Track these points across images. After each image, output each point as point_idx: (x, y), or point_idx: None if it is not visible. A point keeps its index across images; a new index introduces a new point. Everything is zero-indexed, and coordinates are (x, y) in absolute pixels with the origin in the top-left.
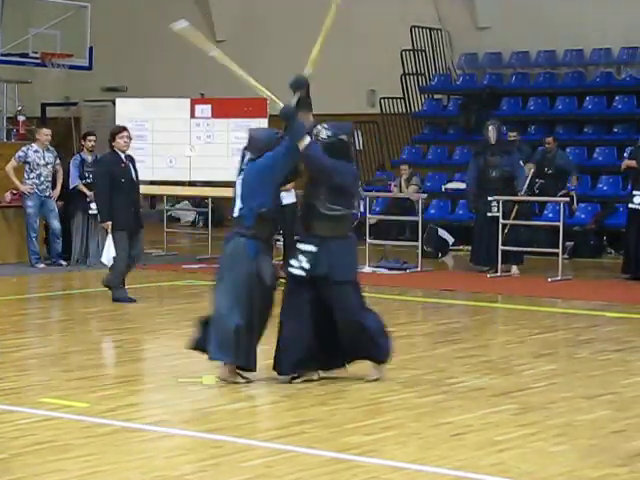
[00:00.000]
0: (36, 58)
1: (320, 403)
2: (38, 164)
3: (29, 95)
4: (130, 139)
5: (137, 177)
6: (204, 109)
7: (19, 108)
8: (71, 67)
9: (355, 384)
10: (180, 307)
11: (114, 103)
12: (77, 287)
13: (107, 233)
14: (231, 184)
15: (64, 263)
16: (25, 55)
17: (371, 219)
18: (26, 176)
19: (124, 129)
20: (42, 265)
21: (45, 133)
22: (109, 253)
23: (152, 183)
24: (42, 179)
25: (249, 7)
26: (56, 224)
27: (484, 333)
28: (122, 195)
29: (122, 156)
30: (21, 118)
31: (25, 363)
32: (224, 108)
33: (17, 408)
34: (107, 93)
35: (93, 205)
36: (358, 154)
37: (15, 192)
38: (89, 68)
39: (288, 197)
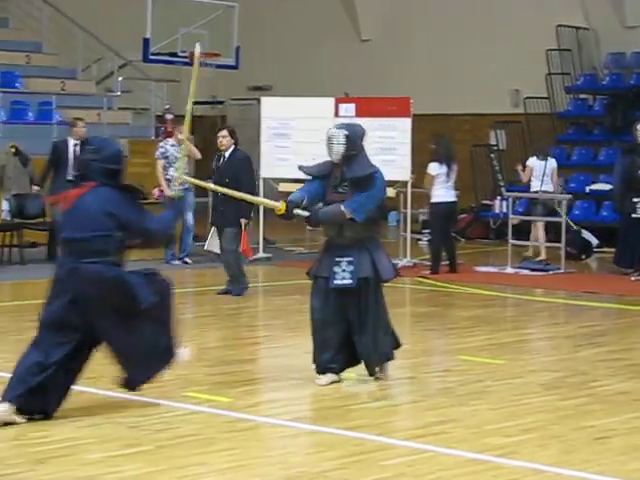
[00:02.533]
0: (184, 57)
1: (460, 404)
2: (176, 157)
3: (177, 94)
4: (225, 138)
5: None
6: (348, 108)
7: (167, 106)
8: (218, 66)
9: (496, 385)
10: None
11: (259, 102)
12: (215, 284)
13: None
14: None
15: (189, 261)
16: (174, 55)
17: (513, 219)
18: (165, 171)
19: (223, 129)
20: (177, 262)
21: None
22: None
23: (295, 181)
24: None
25: (395, 7)
26: (190, 218)
27: (629, 336)
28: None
29: (221, 155)
30: (169, 116)
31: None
32: (368, 107)
33: (162, 401)
34: (253, 92)
35: None
36: (501, 154)
37: (162, 190)
38: (235, 67)
39: None
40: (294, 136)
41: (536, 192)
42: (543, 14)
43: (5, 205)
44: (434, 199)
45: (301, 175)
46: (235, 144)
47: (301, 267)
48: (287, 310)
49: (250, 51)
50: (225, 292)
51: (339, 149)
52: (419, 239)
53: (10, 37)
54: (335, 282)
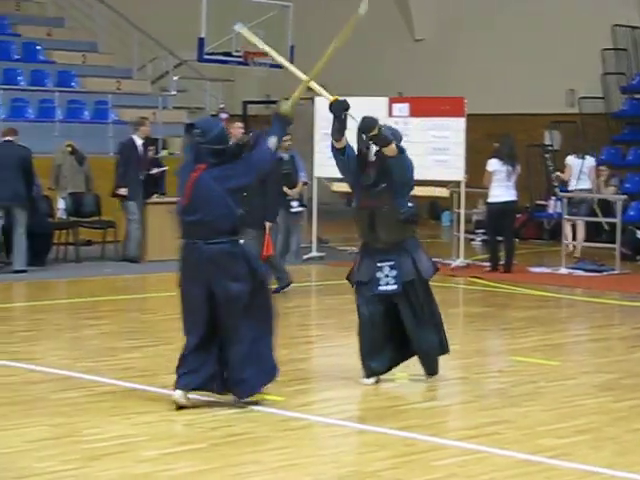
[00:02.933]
0: (239, 57)
1: (512, 404)
2: None
3: (231, 93)
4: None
5: None
6: (402, 108)
7: (221, 106)
8: (272, 66)
9: (549, 386)
10: None
11: (313, 101)
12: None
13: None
14: (426, 183)
15: None
16: (229, 54)
17: (568, 220)
18: None
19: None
20: None
21: (237, 126)
22: None
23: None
24: None
25: (448, 7)
26: None
27: None
28: None
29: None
30: (223, 115)
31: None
32: (422, 107)
33: (215, 400)
34: (307, 91)
35: (294, 203)
36: (555, 154)
37: None
38: None
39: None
40: (347, 136)
41: (572, 191)
42: (599, 14)
43: (61, 203)
44: (490, 198)
45: None
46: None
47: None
48: (340, 309)
49: (304, 51)
50: None
51: (373, 148)
52: (472, 239)
53: (66, 37)
54: (380, 288)
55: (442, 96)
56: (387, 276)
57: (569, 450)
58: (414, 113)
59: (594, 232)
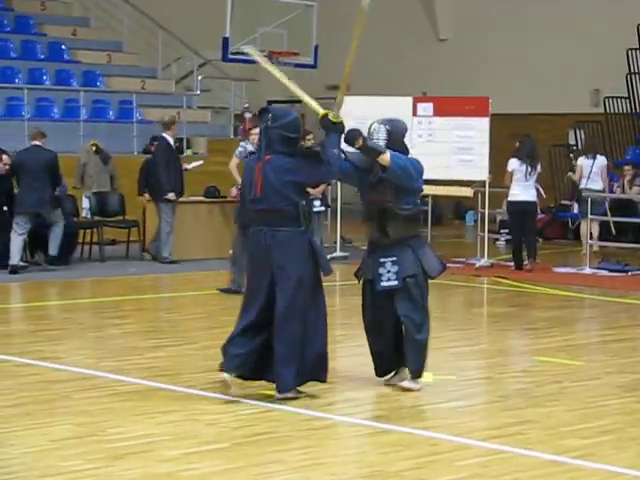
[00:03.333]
0: (263, 57)
1: (536, 405)
2: None
3: (255, 93)
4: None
5: None
6: (426, 107)
7: (245, 105)
8: (297, 65)
9: (573, 387)
10: None
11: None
12: None
13: None
14: (451, 182)
15: None
16: None
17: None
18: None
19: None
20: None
21: (256, 133)
22: None
23: None
24: None
25: (473, 6)
26: None
27: None
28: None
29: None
30: (247, 115)
31: None
32: (446, 107)
33: (239, 399)
34: (331, 91)
35: (317, 202)
36: (580, 154)
37: (240, 188)
38: (314, 66)
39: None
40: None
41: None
42: (623, 13)
43: (86, 203)
44: (509, 197)
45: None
46: None
47: None
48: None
49: (329, 50)
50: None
51: (380, 144)
52: (496, 239)
53: (91, 37)
54: (382, 284)
55: (466, 96)
56: (389, 272)
57: (593, 450)
58: (438, 113)
59: (605, 232)
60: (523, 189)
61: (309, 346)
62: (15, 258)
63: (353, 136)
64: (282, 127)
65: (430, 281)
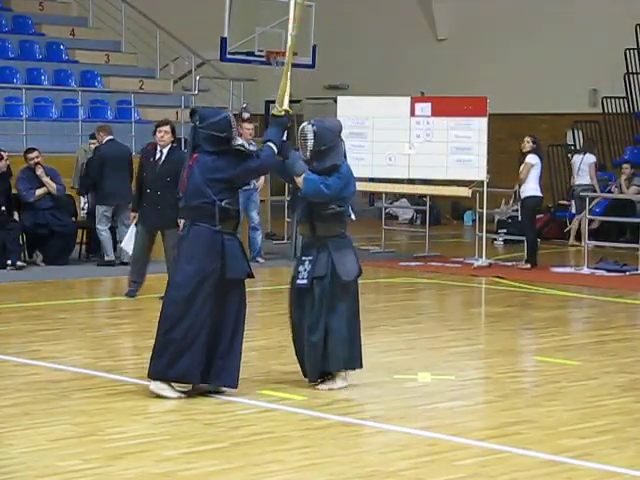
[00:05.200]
0: (261, 56)
1: (535, 404)
2: None
3: (254, 92)
4: (167, 134)
5: (164, 173)
6: (424, 107)
7: (244, 105)
8: (295, 65)
9: (571, 386)
10: (396, 304)
11: (336, 101)
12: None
13: (134, 223)
14: (449, 182)
15: (261, 260)
16: (251, 54)
17: (591, 220)
18: None
19: (166, 123)
20: (262, 260)
21: (247, 127)
22: (127, 244)
23: (371, 180)
24: None
25: (471, 6)
26: (256, 217)
27: None
28: (142, 190)
29: (157, 150)
30: (245, 115)
31: (246, 355)
32: (444, 106)
33: (237, 399)
34: (329, 91)
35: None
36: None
37: None
38: (312, 66)
39: None
40: (370, 135)
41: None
42: (622, 13)
43: (84, 203)
44: (527, 192)
45: (376, 174)
46: (173, 142)
47: (376, 266)
48: (362, 310)
49: (327, 50)
50: None
51: (308, 145)
52: (495, 239)
53: (90, 36)
54: (297, 282)
55: (464, 96)
56: (305, 270)
57: (591, 450)
58: (436, 112)
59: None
60: (537, 185)
61: (195, 340)
62: (112, 254)
63: (282, 148)
64: (210, 127)
65: (431, 281)
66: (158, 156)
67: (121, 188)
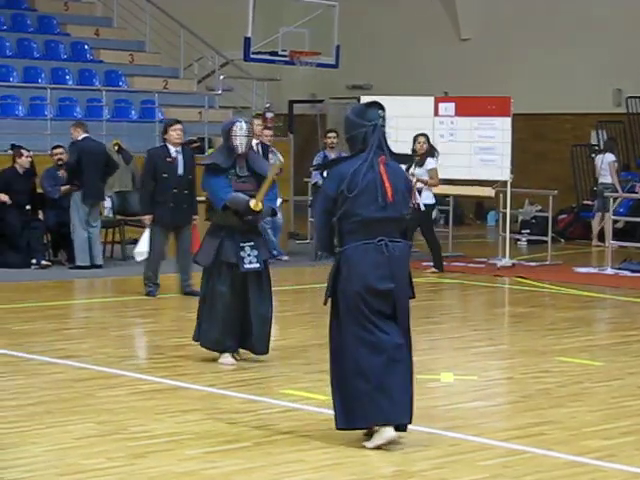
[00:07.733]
0: (285, 56)
1: (559, 405)
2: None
3: (277, 92)
4: (183, 132)
5: (187, 172)
6: (448, 107)
7: (267, 105)
8: (318, 65)
9: (595, 387)
10: (419, 304)
11: (359, 101)
12: (314, 281)
13: (146, 227)
14: (472, 182)
15: (285, 258)
16: (275, 53)
17: (616, 220)
18: None
19: (177, 122)
20: (286, 257)
21: (257, 124)
22: (142, 247)
23: None
24: None
25: (494, 6)
26: (280, 217)
27: None
28: (161, 190)
29: (172, 150)
30: (269, 115)
31: (268, 355)
32: (468, 106)
33: (260, 398)
34: (352, 91)
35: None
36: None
37: None
38: (335, 66)
39: None
40: (394, 135)
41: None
42: None
43: (108, 202)
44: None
45: None
46: None
47: None
48: None
49: (350, 50)
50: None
51: (246, 141)
52: (518, 239)
53: (114, 36)
54: (245, 266)
55: (488, 95)
56: (249, 255)
57: (615, 452)
58: (460, 112)
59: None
60: None
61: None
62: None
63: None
64: None
65: (454, 281)
66: (174, 155)
67: (97, 187)
